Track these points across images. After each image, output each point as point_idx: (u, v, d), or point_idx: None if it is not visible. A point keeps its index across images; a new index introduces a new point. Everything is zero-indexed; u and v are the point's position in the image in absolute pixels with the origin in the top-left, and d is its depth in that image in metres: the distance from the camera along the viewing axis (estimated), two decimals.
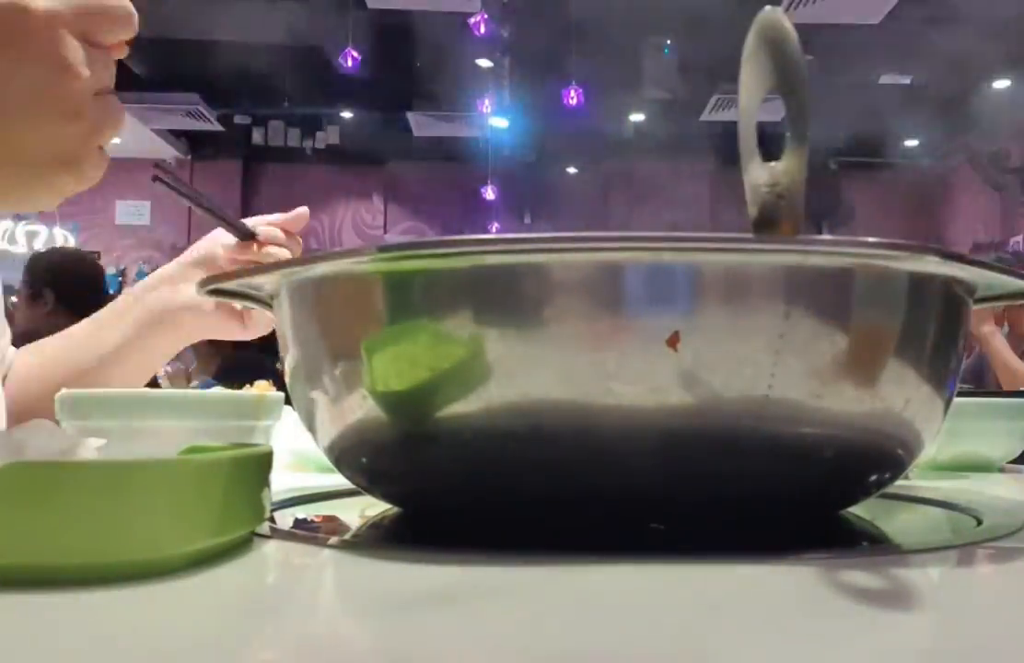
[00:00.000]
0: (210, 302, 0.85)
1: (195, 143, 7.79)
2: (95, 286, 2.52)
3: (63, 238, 7.01)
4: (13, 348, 0.91)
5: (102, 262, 4.93)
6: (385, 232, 8.08)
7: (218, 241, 0.88)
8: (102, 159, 0.52)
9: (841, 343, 0.37)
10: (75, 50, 0.48)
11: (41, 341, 0.92)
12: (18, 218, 6.71)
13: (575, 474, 0.38)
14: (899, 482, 0.46)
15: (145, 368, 0.92)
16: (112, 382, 0.85)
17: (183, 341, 0.93)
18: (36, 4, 0.47)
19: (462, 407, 0.37)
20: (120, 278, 7.38)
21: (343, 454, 0.44)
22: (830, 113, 5.02)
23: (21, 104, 0.47)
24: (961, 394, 0.57)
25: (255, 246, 0.86)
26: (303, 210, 0.92)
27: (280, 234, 0.88)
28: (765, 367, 0.36)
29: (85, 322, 0.91)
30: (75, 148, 0.49)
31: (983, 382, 2.45)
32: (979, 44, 4.81)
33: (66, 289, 2.34)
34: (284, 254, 0.87)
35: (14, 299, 2.62)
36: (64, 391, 0.61)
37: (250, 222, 0.87)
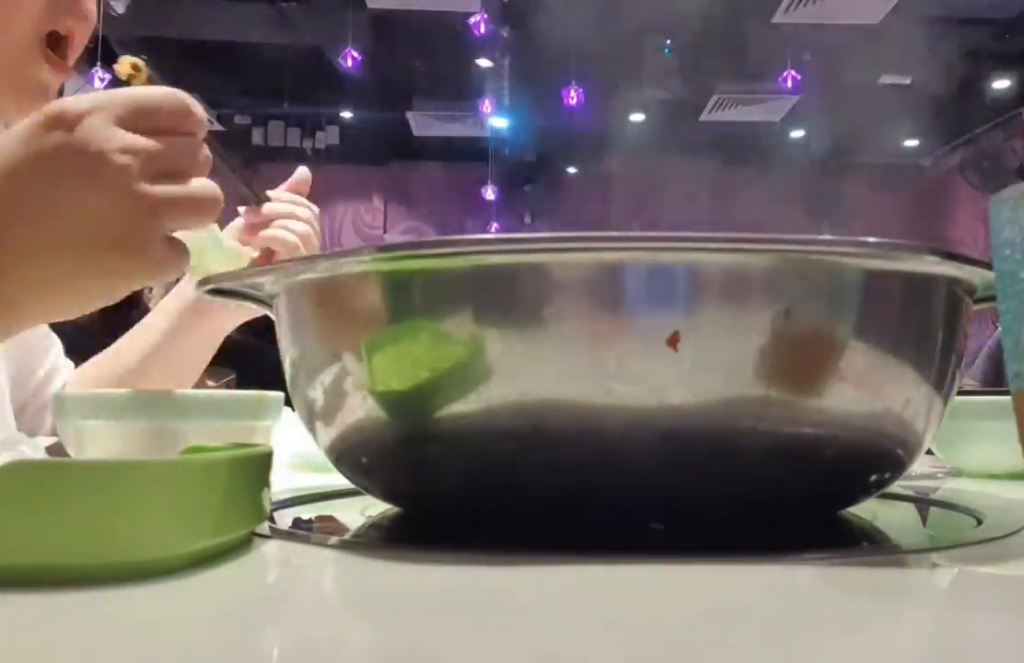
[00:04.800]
0: None
1: None
2: None
3: None
4: (69, 361, 0.91)
5: None
6: (385, 232, 8.07)
7: (232, 227, 0.88)
8: (172, 249, 0.52)
9: (841, 343, 0.37)
10: (113, 133, 0.49)
11: (99, 354, 0.92)
12: None
13: (575, 474, 0.38)
14: (899, 482, 0.46)
15: (188, 364, 0.91)
16: (155, 381, 0.84)
17: (222, 329, 0.91)
18: (71, 105, 0.48)
19: (462, 407, 0.37)
20: None
21: (343, 454, 0.44)
22: (830, 113, 5.01)
23: (64, 189, 0.48)
24: None
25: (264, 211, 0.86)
26: (303, 171, 0.92)
27: (287, 200, 0.88)
28: (765, 367, 0.36)
29: (135, 326, 0.90)
30: (128, 232, 0.49)
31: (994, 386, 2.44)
32: (980, 43, 4.80)
33: None
34: (299, 214, 0.87)
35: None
36: (60, 391, 0.61)
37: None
